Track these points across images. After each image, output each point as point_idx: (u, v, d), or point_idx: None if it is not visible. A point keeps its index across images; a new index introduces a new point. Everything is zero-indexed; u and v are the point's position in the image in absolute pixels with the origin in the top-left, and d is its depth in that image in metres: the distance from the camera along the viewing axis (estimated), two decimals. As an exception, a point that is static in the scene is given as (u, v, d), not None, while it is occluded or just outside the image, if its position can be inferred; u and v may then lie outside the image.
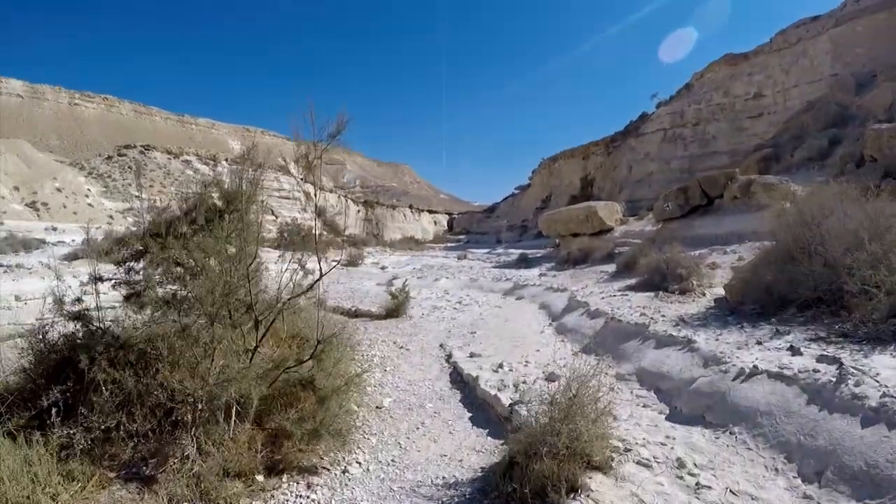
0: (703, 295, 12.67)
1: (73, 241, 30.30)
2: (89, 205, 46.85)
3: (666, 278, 14.21)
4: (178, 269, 6.20)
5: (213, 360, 5.24)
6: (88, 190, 49.46)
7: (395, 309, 14.44)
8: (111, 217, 46.50)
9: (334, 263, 6.95)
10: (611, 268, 20.27)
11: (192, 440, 4.95)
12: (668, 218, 24.39)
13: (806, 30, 38.32)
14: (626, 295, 13.96)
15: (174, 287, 6.07)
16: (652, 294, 13.42)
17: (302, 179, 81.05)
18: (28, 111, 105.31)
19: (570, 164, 60.18)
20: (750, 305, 10.04)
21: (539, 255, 32.47)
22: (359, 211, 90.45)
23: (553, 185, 62.83)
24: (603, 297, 13.95)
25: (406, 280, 21.38)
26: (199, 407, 5.09)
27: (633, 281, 16.22)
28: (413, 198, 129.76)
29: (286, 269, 10.62)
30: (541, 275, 22.90)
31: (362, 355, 10.06)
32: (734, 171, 23.88)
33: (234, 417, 5.33)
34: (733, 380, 6.45)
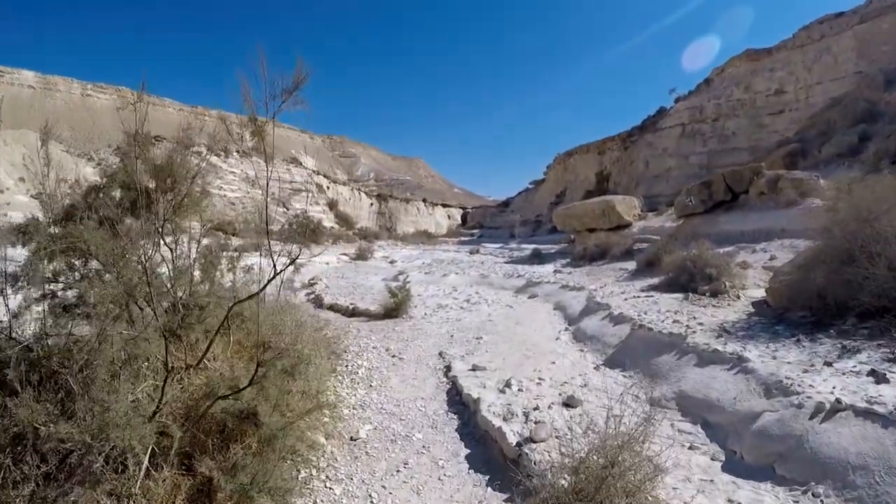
0: (738, 298, 11.18)
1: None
2: (97, 197, 45.55)
3: (694, 278, 12.75)
4: (94, 263, 4.77)
5: (118, 386, 3.76)
6: (96, 181, 48.14)
7: (395, 308, 12.86)
8: (119, 208, 45.33)
9: (291, 260, 5.42)
10: (630, 265, 18.68)
11: (85, 491, 3.47)
12: (689, 213, 22.81)
13: (829, 26, 36.54)
14: (652, 296, 12.38)
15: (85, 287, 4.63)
16: (680, 296, 11.95)
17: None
18: (40, 102, 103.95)
19: (585, 159, 58.48)
20: (799, 312, 8.53)
21: (553, 250, 30.80)
22: (372, 204, 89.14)
23: (568, 180, 61.10)
24: (626, 299, 12.33)
25: (408, 276, 19.90)
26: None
27: (656, 280, 14.70)
28: (427, 191, 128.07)
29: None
30: (555, 271, 21.24)
31: (346, 367, 8.52)
32: (760, 165, 22.32)
33: (145, 463, 3.81)
34: (811, 418, 4.84)
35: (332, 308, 14.94)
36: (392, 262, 33.24)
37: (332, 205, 72.96)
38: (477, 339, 10.19)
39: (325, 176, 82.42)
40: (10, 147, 42.95)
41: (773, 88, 38.90)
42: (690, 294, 11.73)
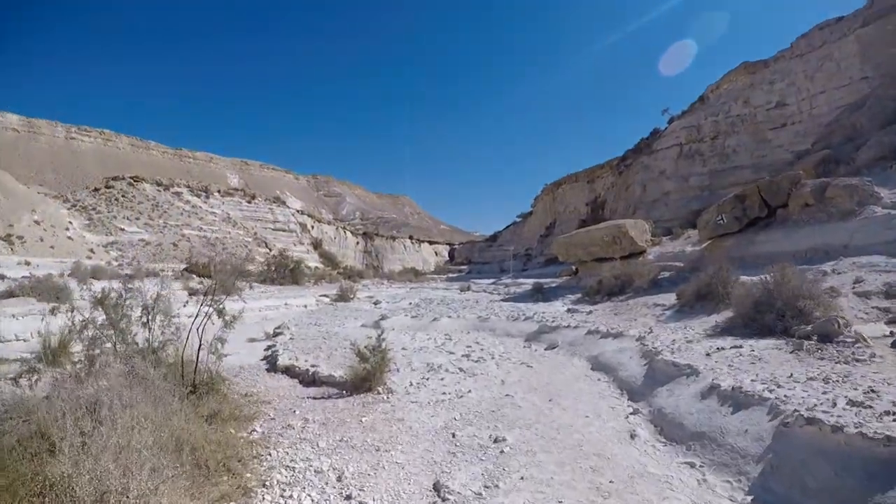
0: (867, 343, 7.11)
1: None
2: (69, 238, 41.66)
3: (783, 315, 8.81)
4: None
5: None
6: (70, 223, 44.27)
7: (365, 378, 8.48)
8: (92, 251, 41.55)
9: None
10: (663, 299, 14.61)
11: None
12: (721, 234, 18.76)
13: (830, 31, 33.13)
14: (739, 346, 8.15)
15: None
16: (777, 342, 8.10)
17: (299, 211, 76.04)
18: (24, 145, 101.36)
19: (574, 188, 54.83)
20: None
21: (555, 284, 26.43)
22: (358, 242, 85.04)
23: (557, 210, 57.43)
24: (708, 354, 7.99)
25: (389, 323, 15.73)
26: None
27: (718, 319, 10.69)
28: (413, 228, 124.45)
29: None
30: (569, 310, 16.94)
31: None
32: (799, 173, 18.59)
33: None
34: None
35: (287, 372, 10.62)
36: (376, 302, 28.90)
37: (316, 244, 68.73)
38: (496, 441, 5.74)
39: (309, 215, 78.45)
40: (-22, 187, 39.33)
41: (773, 101, 35.41)
42: (804, 342, 7.61)
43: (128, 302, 8.37)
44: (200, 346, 7.42)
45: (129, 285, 8.79)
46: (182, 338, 7.61)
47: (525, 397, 7.68)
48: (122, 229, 47.90)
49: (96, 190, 55.17)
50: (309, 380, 9.81)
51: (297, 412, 7.32)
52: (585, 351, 10.86)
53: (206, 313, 7.78)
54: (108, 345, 7.69)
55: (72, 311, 8.69)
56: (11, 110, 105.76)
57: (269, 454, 5.53)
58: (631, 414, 6.75)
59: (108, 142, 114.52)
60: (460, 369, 9.95)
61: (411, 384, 8.76)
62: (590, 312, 15.73)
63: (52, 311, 8.72)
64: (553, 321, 14.38)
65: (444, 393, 8.10)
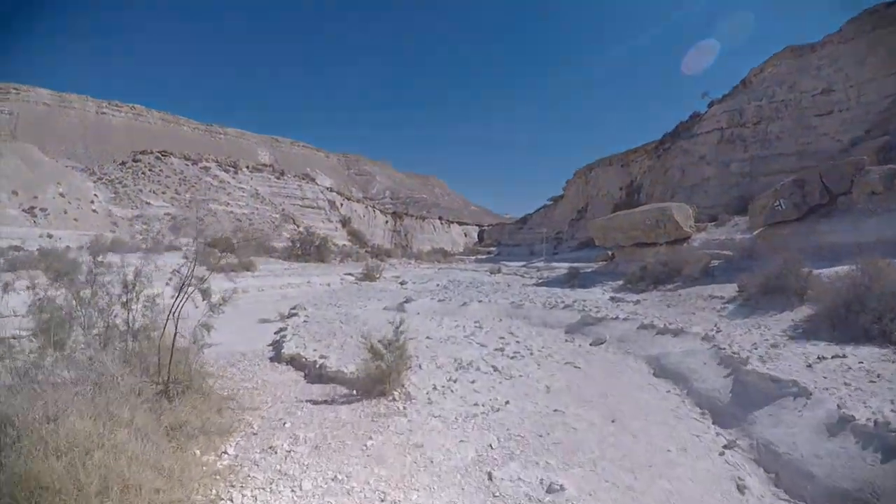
0: None
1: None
2: (94, 211, 40.94)
3: (880, 317, 7.25)
4: None
5: None
6: (95, 196, 43.51)
7: (379, 379, 6.82)
8: (116, 224, 40.67)
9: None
10: (720, 290, 12.89)
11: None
12: (777, 221, 16.82)
13: (881, 16, 30.63)
14: (843, 357, 6.44)
15: None
16: (884, 351, 6.53)
17: (329, 189, 74.89)
18: (55, 120, 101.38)
19: (608, 172, 52.60)
20: None
21: (590, 269, 24.51)
22: (387, 221, 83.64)
23: (590, 194, 55.21)
24: (811, 366, 6.16)
25: (413, 305, 14.19)
26: None
27: (794, 317, 8.99)
28: (443, 209, 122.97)
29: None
30: (612, 299, 15.09)
31: None
32: (862, 159, 16.68)
33: None
34: None
35: (292, 362, 9.12)
36: (402, 283, 27.29)
37: (344, 222, 67.46)
38: (550, 490, 4.04)
39: (338, 193, 77.23)
40: (4, 159, 38.49)
41: (820, 87, 32.84)
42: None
43: (99, 278, 6.92)
44: (176, 333, 5.83)
45: (100, 258, 7.34)
46: (160, 322, 6.16)
47: (579, 414, 5.98)
48: (149, 203, 47.05)
49: (123, 164, 54.49)
50: (315, 374, 8.30)
51: (288, 425, 5.72)
52: (641, 350, 9.12)
53: (187, 293, 6.20)
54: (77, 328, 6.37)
55: (32, 288, 7.31)
56: (43, 85, 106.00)
57: (232, 498, 3.92)
58: (725, 448, 4.97)
59: (138, 117, 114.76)
60: (494, 368, 8.29)
61: (435, 388, 7.10)
62: (637, 302, 13.94)
63: (5, 288, 7.32)
64: (597, 311, 12.61)
65: (475, 403, 6.42)
